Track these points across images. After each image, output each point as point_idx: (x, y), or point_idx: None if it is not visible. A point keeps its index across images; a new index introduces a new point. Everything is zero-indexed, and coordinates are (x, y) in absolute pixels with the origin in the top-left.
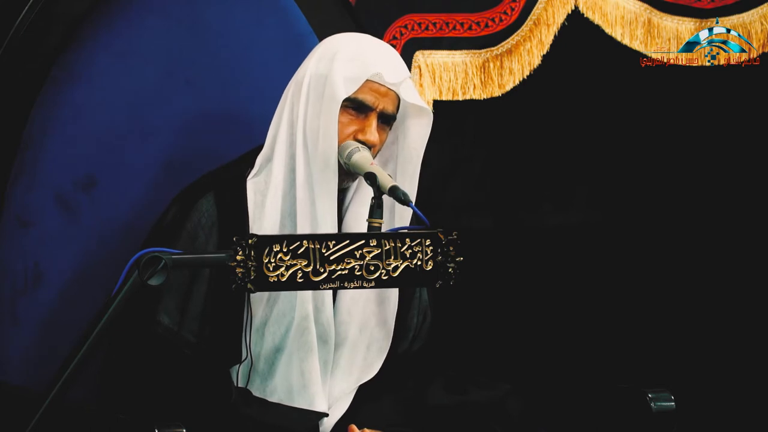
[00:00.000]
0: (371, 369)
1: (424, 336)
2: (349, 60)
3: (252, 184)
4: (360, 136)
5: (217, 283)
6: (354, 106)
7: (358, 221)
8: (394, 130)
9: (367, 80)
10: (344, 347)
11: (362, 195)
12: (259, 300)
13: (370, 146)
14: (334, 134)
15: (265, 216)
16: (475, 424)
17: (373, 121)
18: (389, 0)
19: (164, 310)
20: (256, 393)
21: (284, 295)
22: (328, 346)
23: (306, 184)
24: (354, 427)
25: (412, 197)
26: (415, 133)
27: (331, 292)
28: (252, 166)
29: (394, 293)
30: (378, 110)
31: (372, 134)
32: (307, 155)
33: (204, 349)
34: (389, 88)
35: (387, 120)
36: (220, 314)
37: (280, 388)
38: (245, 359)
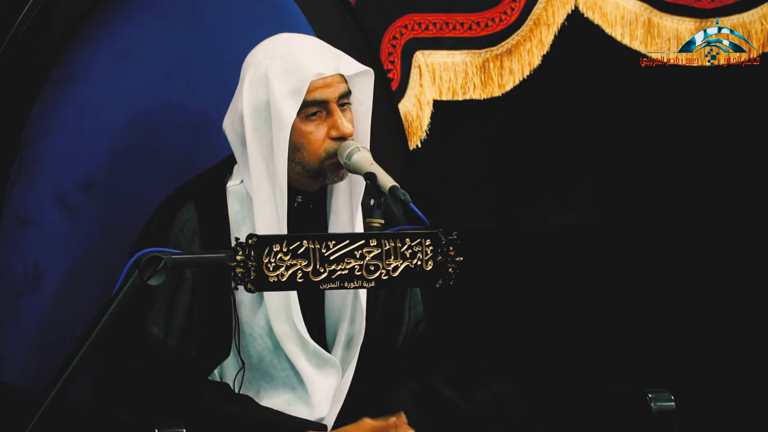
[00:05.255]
0: (351, 364)
1: (419, 334)
2: (283, 74)
3: (234, 189)
4: (334, 133)
5: (201, 291)
6: (312, 112)
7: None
8: None
9: (311, 82)
10: (328, 345)
11: (340, 200)
12: (243, 306)
13: (348, 136)
14: (284, 157)
15: (256, 217)
16: (476, 424)
17: (338, 114)
18: (389, 0)
19: (152, 319)
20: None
21: (267, 299)
22: (310, 346)
23: (267, 206)
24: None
25: (367, 146)
26: (362, 94)
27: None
28: (230, 172)
29: (363, 290)
30: (335, 100)
31: (344, 125)
32: (262, 184)
33: (189, 356)
34: (333, 75)
35: (346, 102)
36: (206, 322)
37: (273, 391)
38: (241, 368)
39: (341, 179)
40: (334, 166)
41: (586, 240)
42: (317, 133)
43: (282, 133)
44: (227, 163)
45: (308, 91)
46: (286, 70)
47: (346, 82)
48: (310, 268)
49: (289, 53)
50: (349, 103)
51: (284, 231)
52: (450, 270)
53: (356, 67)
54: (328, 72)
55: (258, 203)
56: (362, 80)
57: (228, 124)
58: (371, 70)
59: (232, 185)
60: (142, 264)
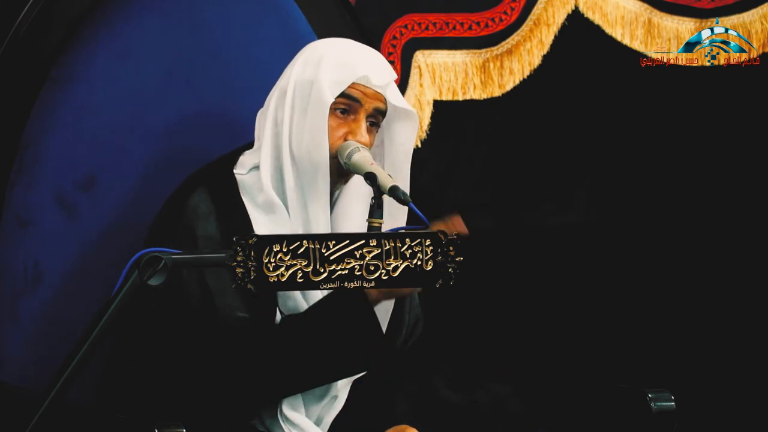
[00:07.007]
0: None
1: (418, 335)
2: (335, 65)
3: (241, 179)
4: (350, 138)
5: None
6: (342, 108)
7: (345, 219)
8: (380, 134)
9: (354, 83)
10: None
11: (349, 192)
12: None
13: None
14: (324, 140)
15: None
16: (476, 424)
17: (362, 123)
18: (389, 0)
19: (233, 308)
20: None
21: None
22: None
23: (297, 189)
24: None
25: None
26: (402, 136)
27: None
28: (235, 162)
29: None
30: (366, 109)
31: (362, 135)
32: (294, 163)
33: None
34: (376, 91)
35: (375, 122)
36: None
37: None
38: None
39: (337, 188)
40: (339, 169)
41: (586, 240)
42: (337, 129)
43: (321, 113)
44: (233, 155)
45: (347, 90)
46: (339, 62)
47: (385, 108)
48: (310, 268)
49: (347, 51)
50: (378, 125)
51: (326, 206)
52: (450, 270)
53: (401, 101)
54: (374, 80)
55: (287, 176)
56: (405, 121)
57: (267, 100)
58: (415, 114)
59: (239, 173)
60: (142, 264)
